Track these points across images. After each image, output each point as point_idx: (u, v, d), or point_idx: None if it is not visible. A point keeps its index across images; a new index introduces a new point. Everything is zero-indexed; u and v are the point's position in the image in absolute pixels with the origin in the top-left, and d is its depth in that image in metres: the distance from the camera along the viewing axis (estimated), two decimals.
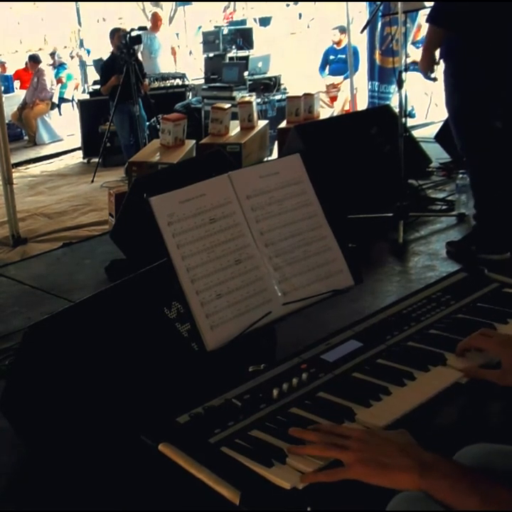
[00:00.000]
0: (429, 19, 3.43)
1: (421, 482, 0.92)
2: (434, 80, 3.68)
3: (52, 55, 12.24)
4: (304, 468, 1.02)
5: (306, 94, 6.46)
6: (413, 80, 6.69)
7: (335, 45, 9.51)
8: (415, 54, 8.53)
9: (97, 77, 8.65)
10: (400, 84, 3.95)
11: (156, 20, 9.20)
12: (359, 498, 1.06)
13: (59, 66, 11.89)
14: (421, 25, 8.45)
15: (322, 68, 9.78)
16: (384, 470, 0.94)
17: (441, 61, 3.44)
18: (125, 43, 6.94)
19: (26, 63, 11.44)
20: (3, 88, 9.46)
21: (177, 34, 14.18)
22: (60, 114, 11.16)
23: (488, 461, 1.07)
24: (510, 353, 1.18)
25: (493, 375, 1.18)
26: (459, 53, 3.26)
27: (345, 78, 9.03)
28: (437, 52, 3.49)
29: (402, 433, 1.02)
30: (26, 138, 10.53)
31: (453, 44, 3.28)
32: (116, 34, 7.42)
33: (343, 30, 9.34)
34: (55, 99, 10.81)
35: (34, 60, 10.62)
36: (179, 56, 11.14)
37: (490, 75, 3.21)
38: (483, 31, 3.17)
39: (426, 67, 3.54)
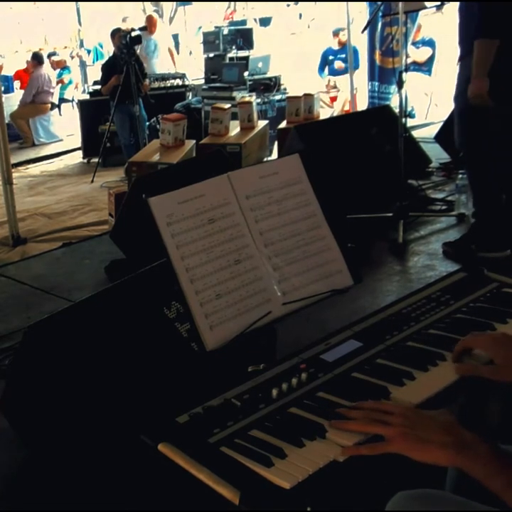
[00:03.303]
0: (481, 33, 3.10)
1: (456, 460, 0.96)
2: (489, 103, 3.20)
3: (51, 56, 12.19)
4: (344, 442, 1.05)
5: (306, 94, 6.46)
6: (413, 80, 6.70)
7: (333, 46, 9.53)
8: (415, 54, 8.55)
9: (97, 78, 8.66)
10: (400, 84, 3.96)
11: (150, 22, 9.16)
12: (359, 498, 1.07)
13: (62, 68, 11.88)
14: (421, 25, 8.46)
15: (321, 69, 9.79)
16: (424, 445, 0.98)
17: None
18: (125, 43, 6.95)
19: (27, 62, 11.39)
20: (3, 88, 9.46)
21: (176, 35, 14.18)
22: (60, 114, 11.16)
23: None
24: (502, 350, 1.20)
25: (486, 370, 1.19)
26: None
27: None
28: None
29: (444, 413, 1.05)
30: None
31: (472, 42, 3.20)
32: (117, 34, 7.43)
33: (335, 33, 9.38)
34: (55, 100, 10.80)
35: (37, 59, 10.54)
36: (179, 56, 11.16)
37: (507, 77, 3.19)
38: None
39: (485, 90, 3.13)
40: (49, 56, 12.13)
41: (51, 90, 10.38)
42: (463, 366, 1.23)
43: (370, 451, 1.02)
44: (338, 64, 9.40)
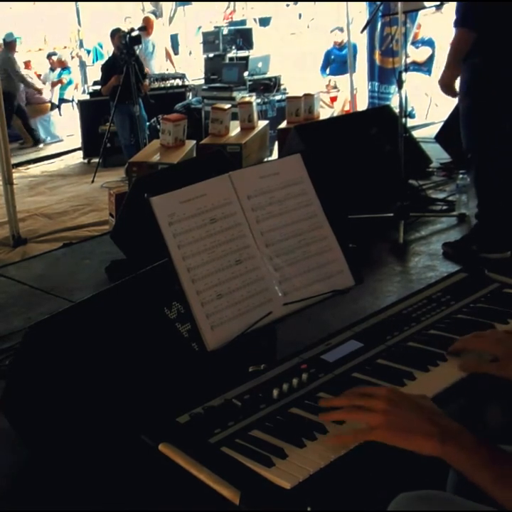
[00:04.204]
0: (459, 23, 3.24)
1: (441, 449, 0.94)
2: (455, 95, 3.46)
3: (51, 56, 12.18)
4: (325, 454, 1.04)
5: (306, 95, 6.47)
6: (413, 80, 6.70)
7: (337, 46, 9.53)
8: (415, 54, 8.55)
9: (97, 78, 8.66)
10: (400, 84, 3.95)
11: (147, 24, 9.13)
12: (359, 498, 1.07)
13: (63, 68, 11.88)
14: (420, 25, 8.47)
15: (323, 68, 9.80)
16: (407, 434, 0.96)
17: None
18: (125, 43, 6.95)
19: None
20: None
21: (175, 35, 14.18)
22: (60, 114, 11.17)
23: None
24: (506, 346, 1.19)
25: (491, 367, 1.18)
26: (483, 52, 3.22)
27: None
28: None
29: (423, 397, 1.04)
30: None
31: (477, 42, 3.21)
32: (117, 34, 7.43)
33: (342, 29, 9.39)
34: (55, 100, 10.81)
35: None
36: (179, 56, 11.15)
37: (508, 76, 3.20)
38: (507, 31, 3.16)
39: (452, 78, 3.33)
40: (49, 56, 12.14)
41: (41, 87, 10.44)
42: (467, 363, 1.23)
43: (354, 439, 1.01)
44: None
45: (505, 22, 3.15)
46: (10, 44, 9.87)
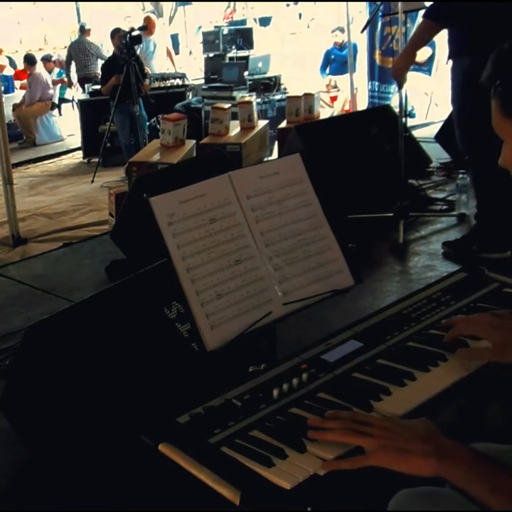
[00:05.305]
0: (426, 14, 3.37)
1: (438, 468, 0.95)
2: (400, 86, 3.71)
3: (46, 60, 12.15)
4: (324, 455, 1.04)
5: (306, 94, 6.46)
6: (413, 80, 6.70)
7: (337, 46, 9.53)
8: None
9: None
10: (400, 84, 3.95)
11: (149, 24, 9.10)
12: (359, 498, 1.06)
13: (62, 68, 11.85)
14: None
15: (323, 68, 9.80)
16: (404, 456, 0.97)
17: (449, 61, 3.43)
18: (125, 43, 6.95)
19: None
20: (3, 88, 9.46)
21: (176, 35, 14.17)
22: (60, 114, 11.16)
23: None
24: (500, 331, 1.22)
25: (488, 353, 1.21)
26: (472, 51, 3.23)
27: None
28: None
29: (423, 421, 1.04)
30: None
31: (466, 41, 3.23)
32: (117, 34, 7.43)
33: (343, 29, 9.38)
34: (55, 100, 10.80)
35: (29, 61, 10.62)
36: (179, 56, 11.13)
37: None
38: (491, 29, 3.16)
39: (406, 66, 3.50)
40: (43, 60, 12.12)
41: (51, 86, 10.49)
42: (467, 352, 1.25)
43: (351, 465, 1.01)
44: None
45: (492, 21, 3.15)
46: (87, 31, 10.02)
